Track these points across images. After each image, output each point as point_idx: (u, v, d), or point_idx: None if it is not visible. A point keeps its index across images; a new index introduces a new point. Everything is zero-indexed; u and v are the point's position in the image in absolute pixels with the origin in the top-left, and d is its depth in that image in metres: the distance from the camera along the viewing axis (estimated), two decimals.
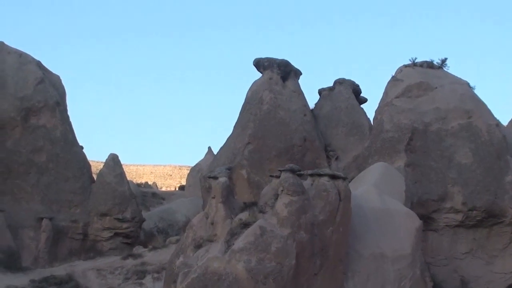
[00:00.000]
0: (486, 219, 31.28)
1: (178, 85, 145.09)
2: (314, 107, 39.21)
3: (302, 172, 22.29)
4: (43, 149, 34.92)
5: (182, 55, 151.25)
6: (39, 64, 36.77)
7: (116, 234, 35.71)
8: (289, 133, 35.28)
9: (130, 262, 31.33)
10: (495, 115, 33.99)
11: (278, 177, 21.86)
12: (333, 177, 22.60)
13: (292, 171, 21.47)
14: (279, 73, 36.97)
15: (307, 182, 22.34)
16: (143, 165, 79.47)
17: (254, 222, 20.26)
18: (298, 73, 38.29)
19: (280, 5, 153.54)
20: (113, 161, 36.95)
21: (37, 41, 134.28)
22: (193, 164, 59.26)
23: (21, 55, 36.41)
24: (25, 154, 34.52)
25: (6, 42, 36.88)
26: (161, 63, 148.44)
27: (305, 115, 36.43)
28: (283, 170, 21.57)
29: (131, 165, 75.34)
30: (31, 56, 36.75)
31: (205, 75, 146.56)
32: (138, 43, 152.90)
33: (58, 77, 38.18)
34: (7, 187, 33.85)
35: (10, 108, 34.62)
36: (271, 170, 30.06)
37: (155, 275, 29.02)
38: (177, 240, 31.02)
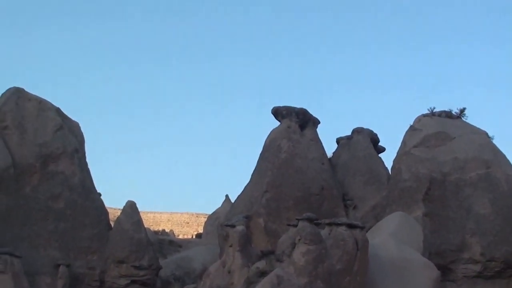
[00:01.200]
0: (504, 270, 31.00)
1: (196, 133, 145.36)
2: (332, 156, 39.23)
3: (319, 221, 22.28)
4: (61, 195, 34.97)
5: (200, 103, 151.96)
6: (58, 111, 36.97)
7: (133, 282, 35.51)
8: (306, 182, 35.25)
9: None
10: None
11: (296, 226, 21.85)
12: (351, 226, 22.56)
13: (310, 220, 21.47)
14: (297, 121, 37.08)
15: (324, 231, 22.31)
16: (161, 213, 79.40)
17: (271, 270, 20.24)
18: (316, 122, 38.37)
19: (299, 54, 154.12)
20: (131, 208, 36.95)
21: (57, 87, 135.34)
22: (210, 212, 59.06)
23: (40, 101, 36.64)
24: (43, 201, 34.57)
25: (26, 89, 37.16)
26: (179, 112, 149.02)
27: (323, 163, 36.43)
28: (301, 219, 21.58)
29: (148, 212, 75.26)
30: (50, 103, 36.98)
31: (223, 123, 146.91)
32: (156, 93, 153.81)
33: (77, 124, 38.35)
34: (25, 233, 33.84)
35: (29, 154, 34.78)
36: (288, 218, 30.03)
37: None
38: None
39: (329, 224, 22.44)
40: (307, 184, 35.17)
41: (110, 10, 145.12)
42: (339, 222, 22.56)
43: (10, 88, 36.77)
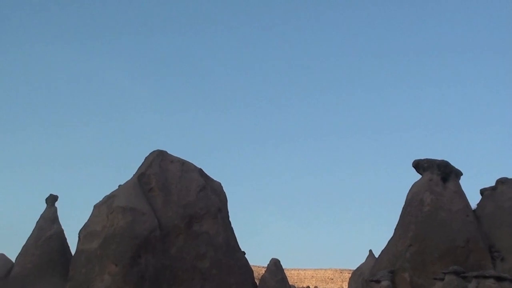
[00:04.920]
0: None
1: (337, 190, 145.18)
2: (477, 208, 38.24)
3: (466, 274, 21.76)
4: (206, 255, 35.49)
5: (341, 161, 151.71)
6: (200, 172, 37.77)
7: None
8: (451, 235, 34.45)
9: None
10: None
11: (442, 279, 21.40)
12: (499, 279, 21.95)
13: (457, 273, 21.02)
14: (439, 174, 36.46)
15: (472, 285, 21.80)
16: (305, 269, 79.38)
17: None
18: (458, 174, 37.60)
19: (440, 105, 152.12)
20: (275, 266, 37.17)
21: (198, 149, 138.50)
22: (354, 268, 58.61)
23: (183, 163, 37.56)
24: (189, 261, 35.17)
25: (169, 151, 38.21)
26: (322, 170, 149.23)
27: (467, 215, 35.56)
28: (447, 273, 21.15)
29: (292, 269, 75.45)
30: (193, 164, 37.84)
31: (364, 179, 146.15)
32: (296, 151, 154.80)
33: (219, 184, 39.03)
34: None
35: (174, 215, 35.57)
36: (434, 272, 29.39)
37: None
38: None
39: (477, 277, 21.91)
40: (452, 237, 34.34)
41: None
42: (487, 275, 22.00)
43: (153, 151, 37.91)
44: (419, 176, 37.35)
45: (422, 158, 37.51)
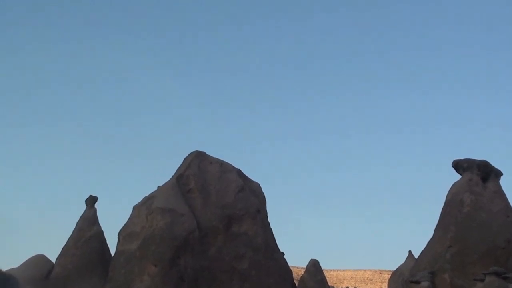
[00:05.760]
0: None
1: (375, 190, 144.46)
2: None
3: (507, 275, 21.55)
4: (245, 256, 35.52)
5: (380, 161, 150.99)
6: (239, 173, 37.80)
7: None
8: (491, 235, 34.10)
9: None
10: None
11: (483, 280, 21.24)
12: None
13: (497, 274, 20.85)
14: (479, 174, 36.10)
15: None
16: (344, 270, 79.16)
17: None
18: (498, 174, 37.20)
19: (481, 103, 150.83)
20: (314, 267, 37.13)
21: (237, 149, 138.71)
22: (393, 268, 58.32)
23: (222, 164, 37.62)
24: (228, 262, 35.21)
25: (207, 152, 38.31)
26: (358, 171, 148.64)
27: (508, 216, 35.17)
28: (488, 274, 20.98)
29: (331, 270, 75.27)
30: (231, 165, 37.89)
31: (403, 179, 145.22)
32: (331, 155, 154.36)
33: (258, 185, 39.03)
34: None
35: (212, 217, 35.66)
36: (474, 273, 29.14)
37: None
38: None
39: None
40: (492, 238, 33.99)
41: None
42: None
43: (192, 152, 38.01)
44: (459, 176, 37.04)
45: (462, 158, 37.22)
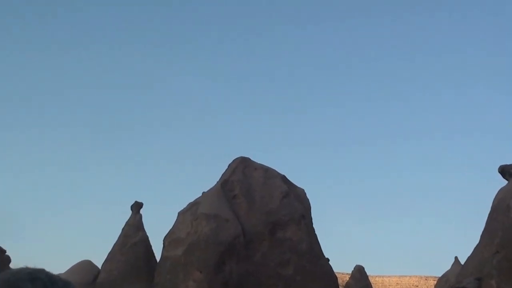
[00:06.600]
0: None
1: (421, 196, 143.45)
2: None
3: None
4: (290, 262, 35.40)
5: (424, 167, 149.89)
6: (283, 179, 37.69)
7: None
8: None
9: None
10: None
11: None
12: None
13: None
14: None
15: None
16: (389, 276, 78.57)
17: None
18: None
19: None
20: (359, 273, 36.89)
21: (281, 156, 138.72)
22: (439, 275, 57.78)
23: (266, 170, 37.56)
24: (272, 267, 35.13)
25: (251, 158, 38.29)
26: (404, 177, 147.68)
27: None
28: None
29: (376, 276, 74.73)
30: (276, 171, 37.81)
31: (447, 184, 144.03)
32: (376, 162, 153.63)
33: (302, 191, 38.89)
34: None
35: (257, 222, 35.61)
36: None
37: None
38: None
39: None
40: None
41: None
42: None
43: (236, 158, 38.03)
44: (505, 182, 36.54)
45: (508, 163, 36.69)
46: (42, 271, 3.64)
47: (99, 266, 43.14)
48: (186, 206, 36.09)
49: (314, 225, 37.95)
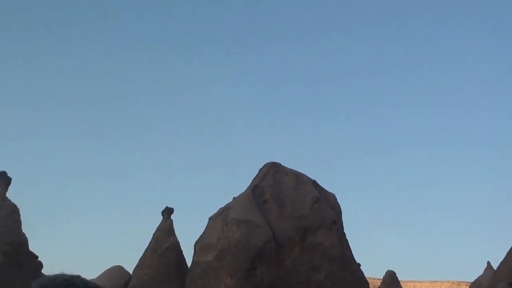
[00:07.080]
0: None
1: (455, 201, 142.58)
2: None
3: None
4: (321, 267, 35.29)
5: (453, 174, 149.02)
6: (314, 184, 37.60)
7: None
8: None
9: None
10: None
11: None
12: None
13: None
14: None
15: None
16: (421, 281, 78.11)
17: None
18: None
19: None
20: (391, 278, 36.69)
21: (312, 160, 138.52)
22: (472, 280, 57.29)
23: (297, 175, 37.49)
24: (304, 273, 35.04)
25: (282, 163, 38.22)
26: (431, 181, 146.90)
27: None
28: None
29: (408, 281, 74.30)
30: (307, 176, 37.72)
31: (480, 188, 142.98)
32: (406, 168, 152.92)
33: (333, 196, 38.78)
34: None
35: (288, 227, 35.54)
36: None
37: None
38: None
39: None
40: None
41: None
42: None
43: (267, 163, 38.01)
44: None
45: None
46: (77, 277, 3.66)
47: (130, 272, 43.29)
48: (217, 212, 36.12)
49: (345, 230, 37.84)
